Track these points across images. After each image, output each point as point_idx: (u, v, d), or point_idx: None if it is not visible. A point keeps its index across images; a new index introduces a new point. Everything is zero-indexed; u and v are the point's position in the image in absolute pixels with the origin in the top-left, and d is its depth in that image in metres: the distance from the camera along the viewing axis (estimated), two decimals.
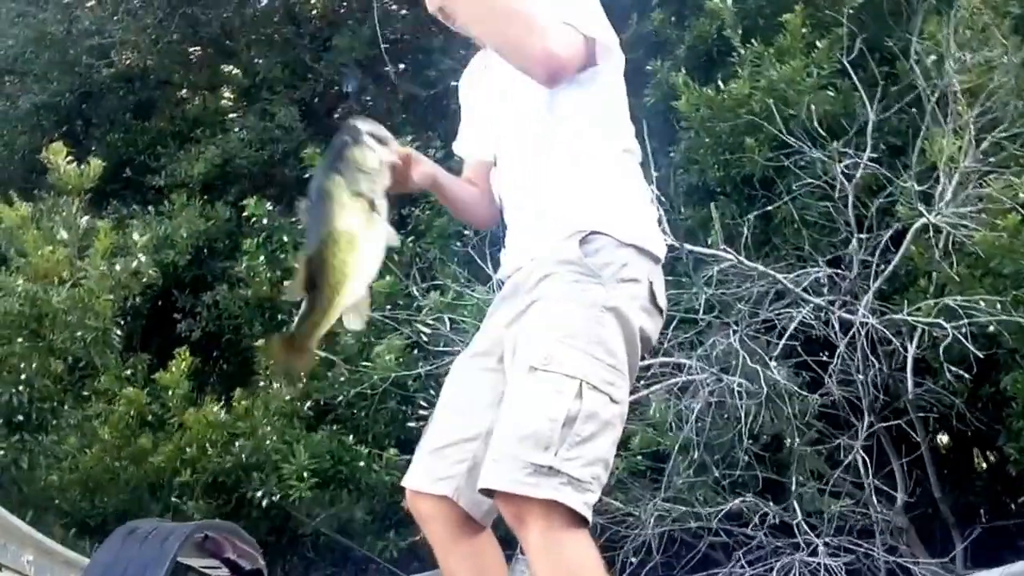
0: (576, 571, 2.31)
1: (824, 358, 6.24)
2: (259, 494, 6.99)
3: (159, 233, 8.50)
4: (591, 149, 2.65)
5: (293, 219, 8.21)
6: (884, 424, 6.29)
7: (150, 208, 9.15)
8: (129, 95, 10.69)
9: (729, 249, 6.07)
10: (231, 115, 10.98)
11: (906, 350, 5.99)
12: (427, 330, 6.72)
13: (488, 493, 2.37)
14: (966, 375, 5.85)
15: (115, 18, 10.34)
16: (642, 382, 6.22)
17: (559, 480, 2.28)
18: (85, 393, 7.03)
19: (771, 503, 5.98)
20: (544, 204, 2.64)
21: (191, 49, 11.33)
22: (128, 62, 10.19)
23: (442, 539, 2.62)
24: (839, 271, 6.38)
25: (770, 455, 6.30)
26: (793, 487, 6.00)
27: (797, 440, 6.06)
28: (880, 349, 6.21)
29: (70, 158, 7.19)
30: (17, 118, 10.27)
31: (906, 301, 6.08)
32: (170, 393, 7.39)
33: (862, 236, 6.31)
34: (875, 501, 6.01)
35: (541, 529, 2.28)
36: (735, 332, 5.86)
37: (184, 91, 11.45)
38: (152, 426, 7.48)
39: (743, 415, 5.72)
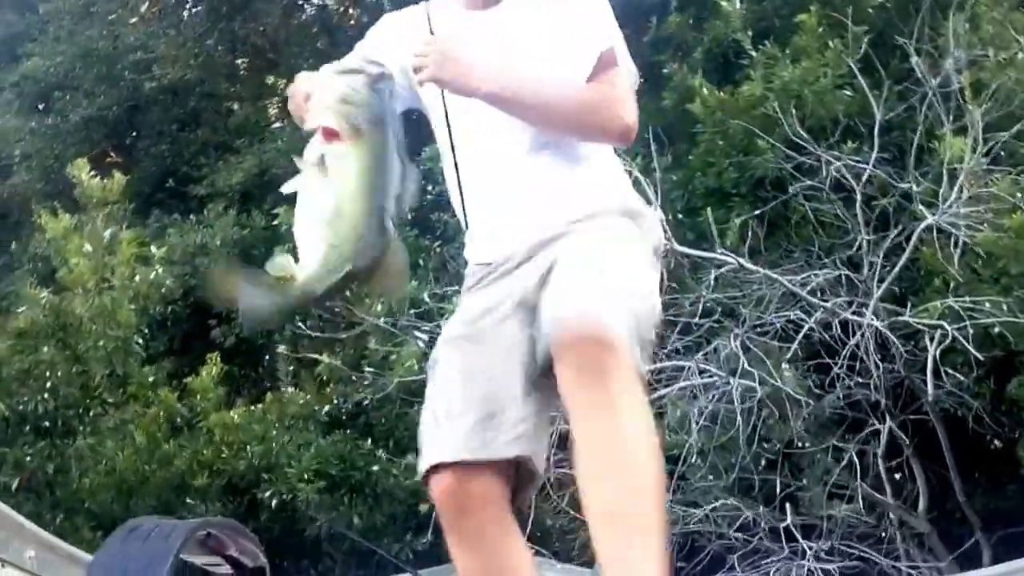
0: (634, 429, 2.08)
1: (834, 360, 6.17)
2: (267, 494, 7.10)
3: (195, 241, 8.68)
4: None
5: None
6: (893, 425, 6.18)
7: (191, 217, 9.35)
8: (174, 107, 10.93)
9: (729, 253, 6.02)
10: (275, 124, 11.12)
11: (917, 354, 5.91)
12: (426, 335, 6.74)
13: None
14: (964, 378, 5.74)
15: (159, 33, 10.59)
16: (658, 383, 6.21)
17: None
18: (110, 400, 7.20)
19: (761, 507, 5.92)
20: (548, 188, 2.42)
21: (238, 61, 11.52)
22: (170, 75, 10.39)
23: (489, 521, 2.28)
24: (847, 273, 6.30)
25: (777, 458, 6.24)
26: (779, 490, 5.94)
27: (802, 444, 6.00)
28: (895, 350, 6.12)
29: (93, 172, 7.40)
30: (67, 131, 10.55)
31: (910, 303, 5.99)
32: (199, 398, 7.56)
33: (869, 238, 6.23)
34: (862, 504, 5.92)
35: (622, 385, 2.07)
36: (736, 336, 5.81)
37: (229, 102, 11.64)
38: (182, 430, 7.66)
39: (740, 418, 5.67)
